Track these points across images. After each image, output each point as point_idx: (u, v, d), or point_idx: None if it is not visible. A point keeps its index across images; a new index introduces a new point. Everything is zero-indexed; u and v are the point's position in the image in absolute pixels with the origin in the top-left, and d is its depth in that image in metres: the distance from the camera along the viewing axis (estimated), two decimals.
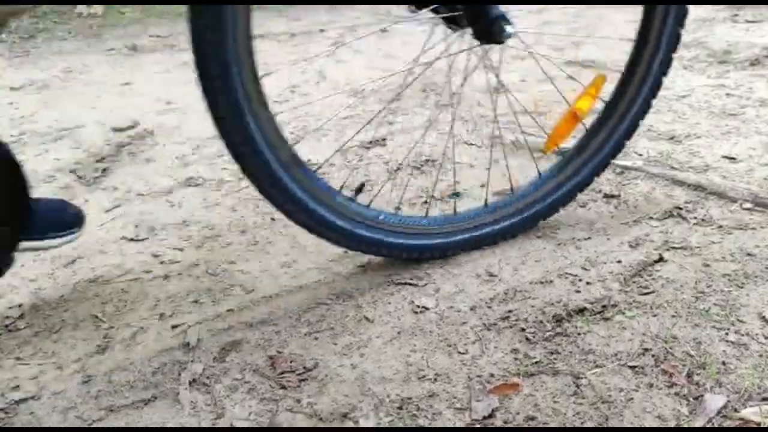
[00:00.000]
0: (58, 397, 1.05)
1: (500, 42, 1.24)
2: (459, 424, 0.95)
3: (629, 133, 1.42)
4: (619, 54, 1.46)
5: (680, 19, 1.33)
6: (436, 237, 1.33)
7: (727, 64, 2.44)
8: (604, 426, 0.93)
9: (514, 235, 1.40)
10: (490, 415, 0.96)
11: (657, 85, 1.39)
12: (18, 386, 1.08)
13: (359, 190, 1.38)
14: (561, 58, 2.57)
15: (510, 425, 0.94)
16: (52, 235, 1.29)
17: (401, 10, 1.33)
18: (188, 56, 2.65)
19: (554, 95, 1.57)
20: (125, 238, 1.49)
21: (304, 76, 2.63)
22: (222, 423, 0.98)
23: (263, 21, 3.62)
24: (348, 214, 1.24)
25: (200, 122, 2.21)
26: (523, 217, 1.40)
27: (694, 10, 3.24)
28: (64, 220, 1.30)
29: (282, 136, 1.17)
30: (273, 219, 1.54)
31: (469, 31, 1.27)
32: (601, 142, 1.42)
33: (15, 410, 1.03)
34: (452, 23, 1.28)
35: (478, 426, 0.94)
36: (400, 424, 0.96)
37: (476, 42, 1.27)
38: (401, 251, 1.30)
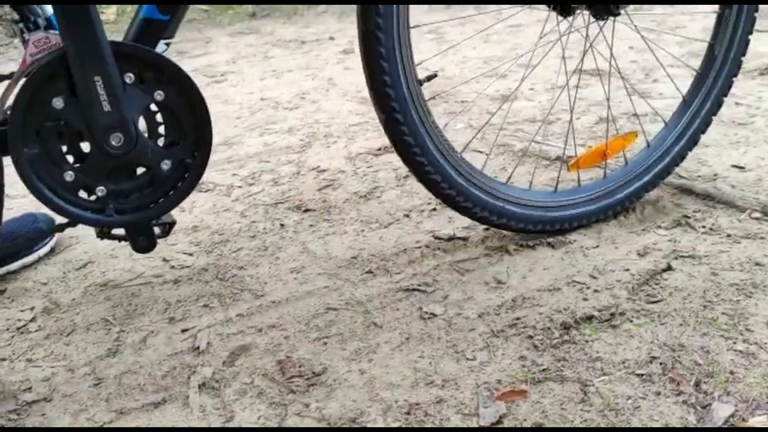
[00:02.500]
0: (69, 400, 1.06)
1: (618, 13, 1.34)
2: (474, 428, 0.96)
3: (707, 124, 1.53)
4: None
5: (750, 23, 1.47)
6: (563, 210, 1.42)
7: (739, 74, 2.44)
8: None
9: (626, 208, 1.50)
10: (498, 422, 0.96)
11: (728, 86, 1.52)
12: (30, 388, 1.09)
13: (430, 78, 1.39)
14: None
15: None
16: (24, 254, 1.34)
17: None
18: (198, 62, 2.69)
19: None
20: None
21: (314, 83, 2.65)
22: (231, 426, 0.99)
23: (274, 28, 3.65)
24: (499, 194, 1.37)
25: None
26: (633, 188, 1.48)
27: (702, 21, 3.25)
28: (33, 237, 1.36)
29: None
30: (282, 225, 1.55)
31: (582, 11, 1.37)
32: (686, 126, 1.52)
33: (27, 411, 1.04)
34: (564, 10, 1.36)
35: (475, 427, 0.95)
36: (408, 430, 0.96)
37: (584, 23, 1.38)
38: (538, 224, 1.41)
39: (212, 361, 1.13)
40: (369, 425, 0.97)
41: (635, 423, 0.94)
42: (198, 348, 1.16)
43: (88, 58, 0.89)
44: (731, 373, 1.02)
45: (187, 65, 3.02)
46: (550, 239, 1.42)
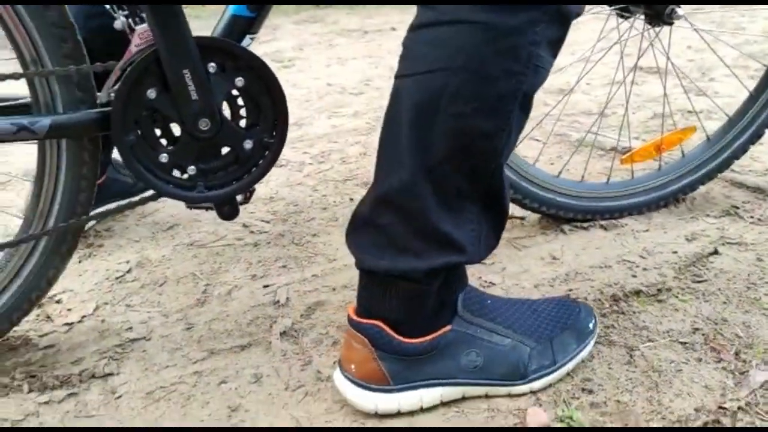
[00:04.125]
0: (165, 340, 1.20)
1: (671, 23, 1.40)
2: None
3: None
4: None
5: None
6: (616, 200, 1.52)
7: None
8: (654, 394, 1.02)
9: (677, 198, 1.58)
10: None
11: None
12: (131, 328, 1.23)
13: None
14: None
15: (569, 386, 1.04)
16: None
17: None
18: (266, 48, 2.84)
19: None
20: None
21: (377, 71, 2.77)
22: (309, 369, 1.11)
23: (338, 18, 3.77)
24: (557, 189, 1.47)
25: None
26: (689, 180, 1.57)
27: (763, 22, 3.27)
28: None
29: None
30: (351, 199, 1.67)
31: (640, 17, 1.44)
32: (750, 120, 1.57)
33: (130, 347, 1.18)
34: (624, 12, 1.45)
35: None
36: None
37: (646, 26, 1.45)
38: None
39: (291, 313, 1.25)
40: None
41: (677, 383, 1.03)
42: (278, 302, 1.28)
43: (176, 54, 1.00)
44: None
45: (255, 51, 3.17)
46: (603, 222, 1.51)
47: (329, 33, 3.49)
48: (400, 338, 0.97)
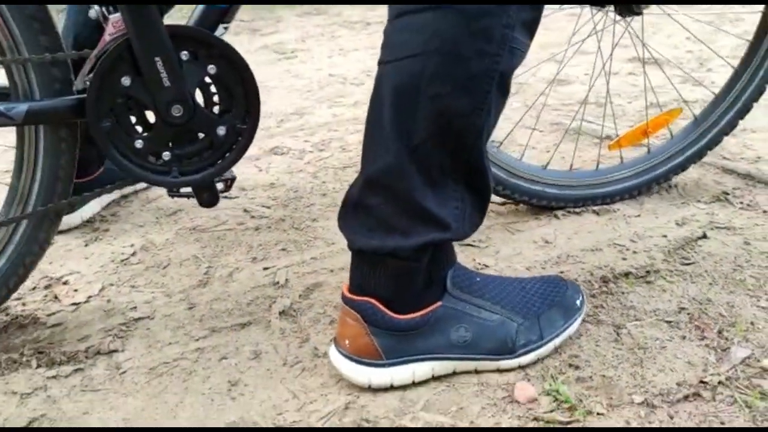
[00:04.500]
0: (168, 318, 1.24)
1: (639, 13, 1.44)
2: None
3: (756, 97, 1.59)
4: None
5: None
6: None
7: None
8: (639, 369, 1.06)
9: (668, 179, 1.61)
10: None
11: None
12: (135, 308, 1.27)
13: None
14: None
15: (557, 362, 1.08)
16: None
17: None
18: (269, 40, 2.91)
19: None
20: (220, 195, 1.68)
21: None
22: (306, 346, 1.15)
23: (341, 10, 3.80)
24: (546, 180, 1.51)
25: (282, 99, 2.40)
26: (678, 161, 1.59)
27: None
28: None
29: None
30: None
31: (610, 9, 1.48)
32: (733, 100, 1.59)
33: (135, 325, 1.22)
34: (596, 4, 1.48)
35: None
36: None
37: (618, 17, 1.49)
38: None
39: (290, 294, 1.29)
40: None
41: (660, 359, 1.07)
42: (278, 283, 1.33)
43: (148, 42, 1.04)
44: (752, 323, 1.14)
45: (258, 42, 3.21)
46: (596, 208, 1.55)
47: (332, 24, 3.52)
48: (392, 314, 1.01)
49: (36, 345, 1.17)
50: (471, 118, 0.94)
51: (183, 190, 1.19)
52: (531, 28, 0.95)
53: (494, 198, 1.58)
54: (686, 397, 0.99)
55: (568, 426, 0.96)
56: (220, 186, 1.19)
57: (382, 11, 3.77)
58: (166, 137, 1.11)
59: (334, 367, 1.06)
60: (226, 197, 1.68)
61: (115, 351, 1.16)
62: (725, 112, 1.59)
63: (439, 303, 1.03)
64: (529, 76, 2.49)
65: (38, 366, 1.12)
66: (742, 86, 1.58)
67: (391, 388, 1.03)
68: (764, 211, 1.50)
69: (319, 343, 1.16)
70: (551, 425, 0.96)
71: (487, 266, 1.35)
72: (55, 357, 1.13)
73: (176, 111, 1.08)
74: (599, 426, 0.95)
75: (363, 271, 1.02)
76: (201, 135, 1.13)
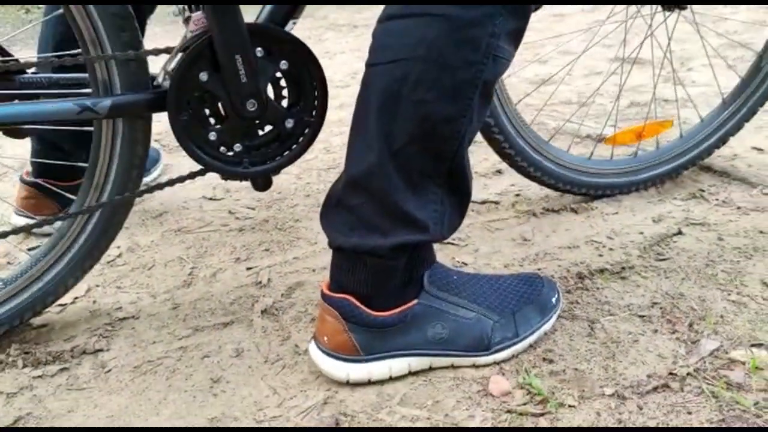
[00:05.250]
0: (153, 318, 1.26)
1: (684, 7, 1.52)
2: None
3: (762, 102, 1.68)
4: None
5: None
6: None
7: None
8: (611, 363, 1.09)
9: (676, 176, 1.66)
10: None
11: None
12: (120, 308, 1.30)
13: None
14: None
15: (531, 356, 1.11)
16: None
17: None
18: None
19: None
20: (204, 197, 1.71)
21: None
22: (287, 344, 1.17)
23: (327, 12, 3.83)
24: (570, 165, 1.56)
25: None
26: (686, 159, 1.65)
27: (744, 12, 3.33)
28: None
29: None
30: None
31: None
32: (741, 104, 1.67)
33: (120, 325, 1.24)
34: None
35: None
36: None
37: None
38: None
39: (272, 293, 1.32)
40: None
41: (632, 353, 1.10)
42: (260, 282, 1.35)
43: (230, 40, 1.08)
44: (721, 317, 1.17)
45: None
46: (574, 205, 1.58)
47: (319, 28, 3.55)
48: (370, 311, 1.03)
49: (22, 345, 1.19)
50: (454, 124, 0.97)
51: None
52: (516, 37, 0.97)
53: (474, 197, 1.62)
54: (655, 389, 1.02)
55: (541, 418, 0.98)
56: None
57: (368, 14, 3.80)
58: (238, 130, 1.15)
59: (314, 363, 1.08)
60: (211, 199, 1.70)
61: (101, 350, 1.18)
62: (741, 107, 1.66)
63: (415, 300, 1.05)
64: (513, 77, 2.53)
65: (24, 366, 1.14)
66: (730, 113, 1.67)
67: (369, 383, 1.06)
68: (738, 208, 1.53)
69: (300, 340, 1.18)
70: (524, 417, 0.99)
71: (466, 264, 1.38)
72: (41, 357, 1.16)
73: (251, 105, 1.12)
74: (571, 417, 0.98)
75: (342, 269, 1.05)
76: (271, 127, 1.16)
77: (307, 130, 1.17)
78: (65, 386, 1.10)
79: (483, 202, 1.62)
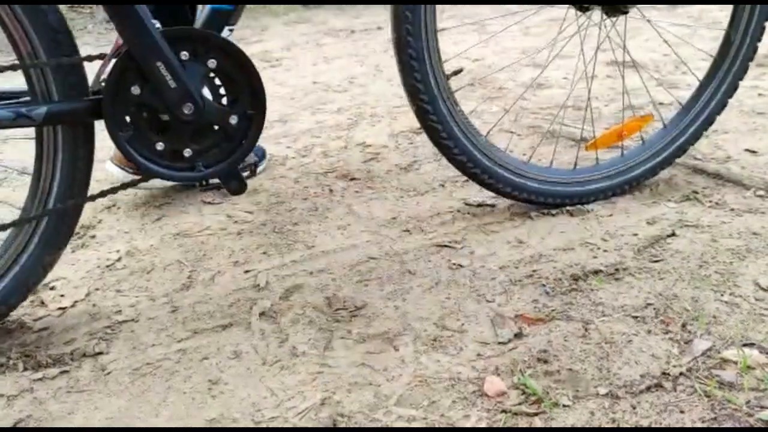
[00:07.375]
0: (152, 321, 1.28)
1: (626, 12, 1.51)
2: (488, 353, 1.14)
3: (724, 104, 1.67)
4: None
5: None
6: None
7: (765, 68, 2.57)
8: (605, 363, 1.10)
9: (640, 182, 1.65)
10: (515, 338, 1.15)
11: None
12: (120, 311, 1.31)
13: (456, 73, 1.57)
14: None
15: (526, 357, 1.12)
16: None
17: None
18: (255, 49, 2.92)
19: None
20: (203, 202, 1.72)
21: (362, 69, 2.84)
22: (285, 346, 1.19)
23: (326, 18, 3.85)
24: (528, 174, 1.55)
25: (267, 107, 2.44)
26: (651, 165, 1.65)
27: None
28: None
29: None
30: (331, 190, 1.75)
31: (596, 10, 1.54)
32: (704, 105, 1.66)
33: (119, 328, 1.26)
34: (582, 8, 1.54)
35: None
36: (434, 353, 1.15)
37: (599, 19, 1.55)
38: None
39: (270, 296, 1.33)
40: (401, 347, 1.16)
41: (626, 353, 1.11)
42: (258, 285, 1.36)
43: (146, 50, 1.09)
44: (714, 317, 1.18)
45: (245, 51, 3.25)
46: (570, 208, 1.59)
47: (317, 33, 3.57)
48: None
49: (23, 349, 1.20)
50: None
51: (212, 181, 1.22)
52: None
53: (470, 200, 1.64)
54: (649, 388, 1.03)
55: (536, 418, 1.00)
56: (245, 173, 1.23)
57: (366, 19, 3.82)
58: (183, 135, 1.15)
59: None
60: (210, 203, 1.71)
61: (100, 353, 1.19)
62: (703, 109, 1.65)
63: None
64: (509, 81, 2.54)
65: (25, 369, 1.15)
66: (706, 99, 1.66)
67: (366, 384, 1.07)
68: (731, 209, 1.55)
69: (298, 342, 1.19)
70: (519, 417, 1.00)
71: (462, 266, 1.39)
72: (41, 360, 1.17)
73: (187, 109, 1.13)
74: (565, 417, 0.99)
75: None
76: (216, 127, 1.17)
77: (252, 123, 1.18)
78: (65, 389, 1.11)
79: (479, 205, 1.63)
